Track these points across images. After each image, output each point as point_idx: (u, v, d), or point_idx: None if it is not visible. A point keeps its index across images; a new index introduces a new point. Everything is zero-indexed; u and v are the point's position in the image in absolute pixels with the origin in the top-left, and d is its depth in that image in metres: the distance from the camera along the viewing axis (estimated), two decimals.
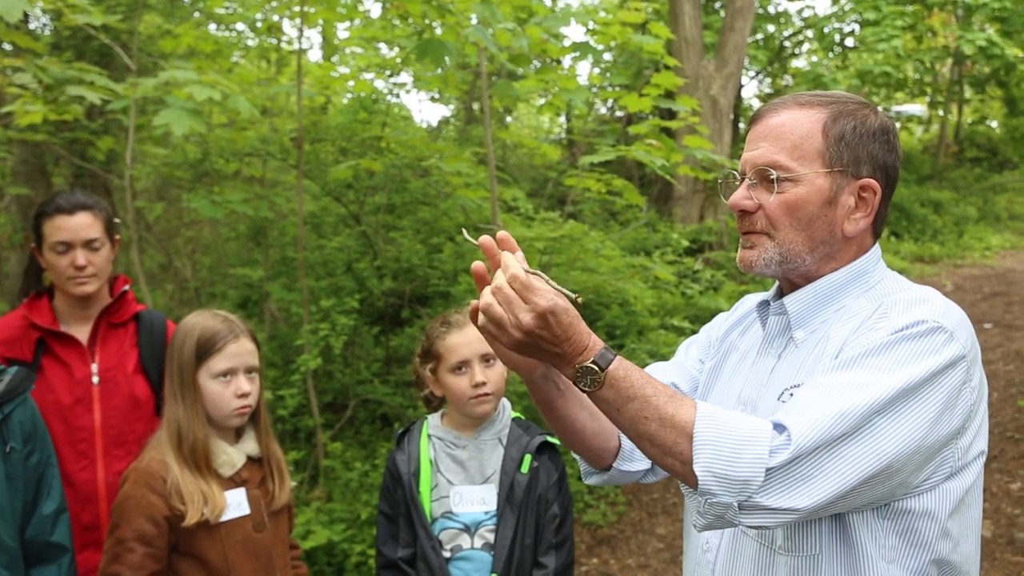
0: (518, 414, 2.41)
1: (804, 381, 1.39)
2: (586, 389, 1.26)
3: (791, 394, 1.40)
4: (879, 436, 1.23)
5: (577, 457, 1.61)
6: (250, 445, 2.25)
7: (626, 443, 1.57)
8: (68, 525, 2.14)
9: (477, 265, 1.32)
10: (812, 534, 1.36)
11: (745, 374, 1.53)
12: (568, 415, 1.48)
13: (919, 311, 1.33)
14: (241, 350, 2.19)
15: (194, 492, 2.08)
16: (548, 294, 1.23)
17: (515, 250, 1.33)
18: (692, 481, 1.22)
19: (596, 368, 1.25)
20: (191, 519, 2.06)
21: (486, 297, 1.25)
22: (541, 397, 1.45)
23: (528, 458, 2.28)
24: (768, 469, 1.19)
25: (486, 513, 2.25)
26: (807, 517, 1.25)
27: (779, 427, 1.23)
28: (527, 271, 1.27)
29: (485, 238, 1.31)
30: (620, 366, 1.26)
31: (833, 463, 1.22)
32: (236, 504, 2.16)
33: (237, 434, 2.25)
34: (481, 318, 1.27)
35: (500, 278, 1.25)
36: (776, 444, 1.21)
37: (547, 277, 1.30)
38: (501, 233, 1.31)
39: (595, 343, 1.26)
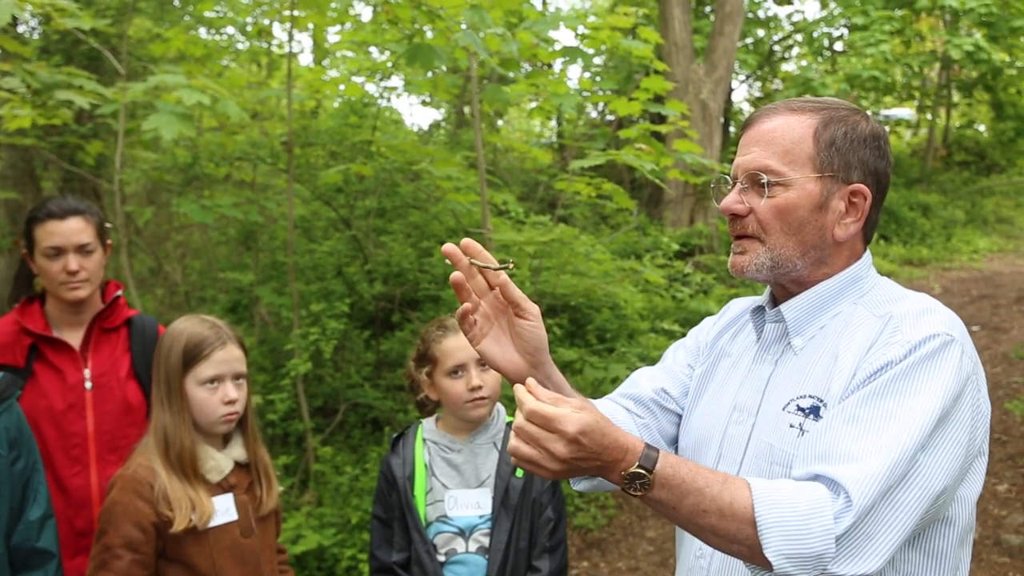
0: (512, 418, 2.42)
1: (813, 393, 1.39)
2: (637, 494, 1.22)
3: (798, 406, 1.40)
4: (927, 474, 1.24)
5: None
6: (237, 451, 2.25)
7: None
8: (55, 531, 2.13)
9: (455, 276, 1.32)
10: None
11: (739, 380, 1.53)
12: None
13: (930, 324, 1.34)
14: (228, 357, 2.19)
15: (181, 498, 2.07)
16: (572, 417, 1.17)
17: (480, 254, 1.33)
18: (765, 564, 1.20)
19: (644, 472, 1.20)
20: (179, 525, 2.05)
21: (512, 441, 1.22)
22: None
23: None
24: (837, 537, 1.18)
25: (481, 517, 2.25)
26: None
27: (832, 486, 1.22)
28: (498, 267, 1.24)
29: (448, 247, 1.30)
30: (667, 463, 1.21)
31: (891, 514, 1.22)
32: (224, 510, 2.16)
33: (224, 440, 2.25)
34: (513, 459, 1.24)
35: (520, 418, 1.21)
36: (838, 509, 1.20)
37: (492, 259, 1.28)
38: (465, 240, 1.30)
39: (634, 444, 1.22)
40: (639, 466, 1.20)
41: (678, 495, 1.21)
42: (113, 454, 2.48)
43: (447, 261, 1.33)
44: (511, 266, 1.29)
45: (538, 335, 1.38)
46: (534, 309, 1.37)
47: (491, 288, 1.36)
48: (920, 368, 1.29)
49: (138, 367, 2.58)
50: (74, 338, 2.53)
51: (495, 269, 1.35)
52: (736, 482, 1.23)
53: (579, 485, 1.62)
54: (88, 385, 2.50)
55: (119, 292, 2.63)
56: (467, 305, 1.32)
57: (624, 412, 1.62)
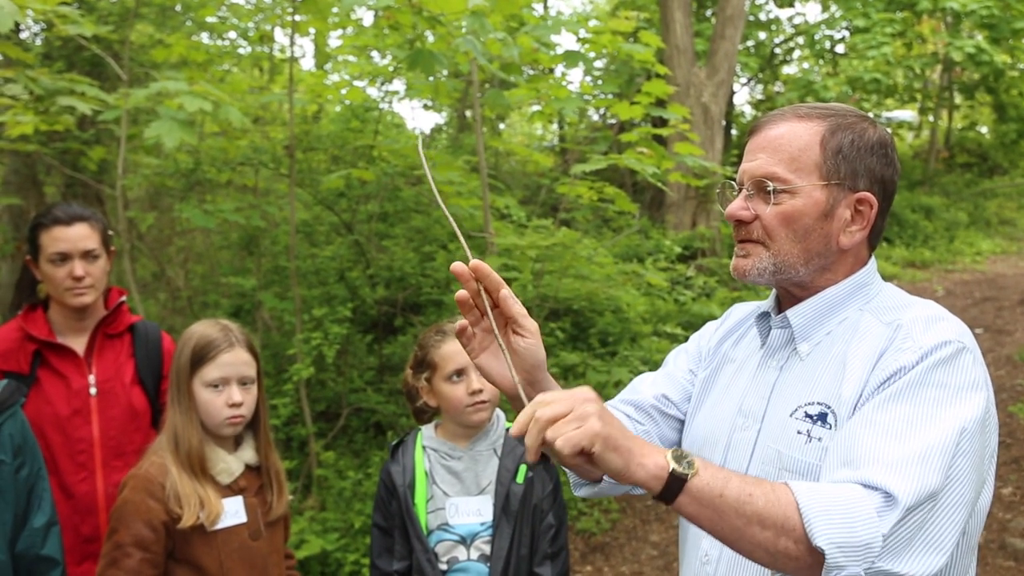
0: (511, 424, 2.41)
1: (821, 400, 1.38)
2: (683, 473, 1.14)
3: (806, 412, 1.39)
4: (962, 481, 1.22)
5: (567, 470, 1.60)
6: (248, 453, 2.26)
7: None
8: (59, 538, 2.14)
9: (461, 295, 1.30)
10: None
11: (743, 385, 1.53)
12: None
13: (941, 331, 1.33)
14: (234, 360, 2.20)
15: (191, 495, 2.09)
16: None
17: (488, 278, 1.29)
18: (814, 558, 1.14)
19: (685, 454, 1.16)
20: (187, 521, 2.06)
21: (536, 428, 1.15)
22: None
23: (523, 468, 2.28)
24: (884, 536, 1.14)
25: (482, 524, 2.24)
26: None
27: (868, 487, 1.18)
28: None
29: (457, 265, 1.27)
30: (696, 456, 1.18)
31: (940, 516, 1.19)
32: (233, 512, 2.17)
33: (236, 442, 2.26)
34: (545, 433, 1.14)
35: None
36: (877, 505, 1.16)
37: (501, 280, 1.26)
38: (475, 262, 1.27)
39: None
40: (674, 453, 1.16)
41: (722, 479, 1.16)
42: (119, 460, 2.49)
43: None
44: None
45: (535, 353, 1.35)
46: (532, 326, 1.34)
47: (495, 306, 1.33)
48: (935, 374, 1.27)
49: (142, 373, 2.58)
50: (78, 344, 2.54)
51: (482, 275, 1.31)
52: (766, 480, 1.20)
53: (580, 491, 1.61)
54: (93, 391, 2.51)
55: (122, 298, 2.64)
56: (463, 321, 1.32)
57: (624, 418, 1.62)
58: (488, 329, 1.34)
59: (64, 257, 2.46)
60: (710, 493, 1.15)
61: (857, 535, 1.13)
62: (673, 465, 1.14)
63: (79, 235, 2.47)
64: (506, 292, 1.31)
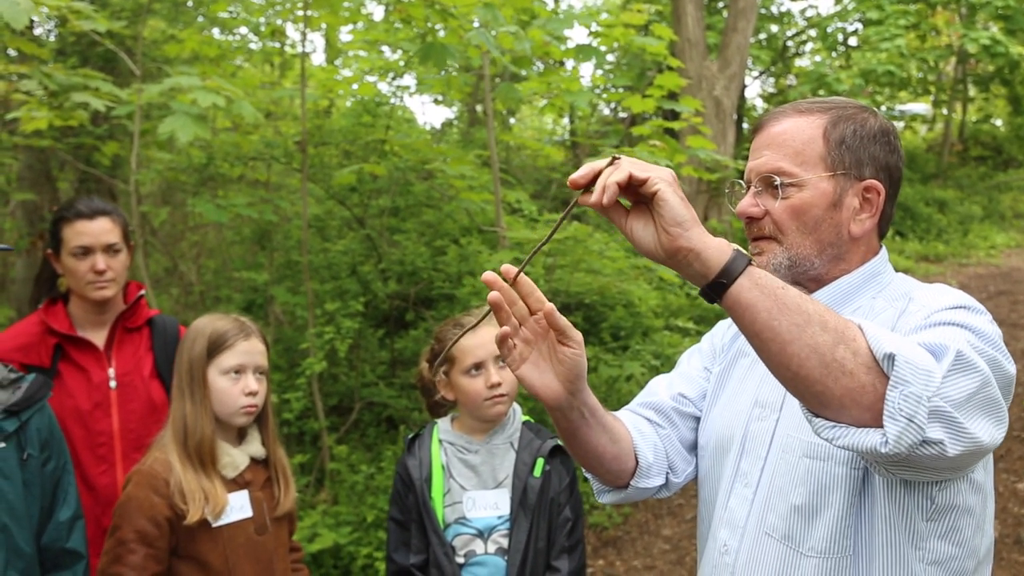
0: (527, 417, 2.41)
1: None
2: (749, 255, 1.14)
3: None
4: (997, 372, 1.18)
5: (590, 477, 1.59)
6: (254, 447, 2.26)
7: (643, 461, 1.55)
8: (83, 532, 2.16)
9: (494, 296, 1.28)
10: (844, 534, 1.33)
11: (759, 377, 1.52)
12: (591, 441, 1.47)
13: (951, 296, 1.34)
14: (252, 349, 2.22)
15: (196, 490, 2.09)
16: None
17: (534, 294, 1.31)
18: (869, 377, 1.07)
19: (742, 252, 1.14)
20: (192, 517, 2.06)
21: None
22: (566, 426, 1.44)
23: (540, 462, 2.28)
24: (942, 375, 1.08)
25: (499, 518, 2.25)
26: (970, 449, 1.10)
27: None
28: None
29: (488, 275, 1.27)
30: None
31: (991, 392, 1.15)
32: (239, 507, 2.17)
33: (240, 436, 2.26)
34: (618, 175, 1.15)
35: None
36: (931, 351, 1.11)
37: (535, 287, 1.28)
38: (505, 266, 1.28)
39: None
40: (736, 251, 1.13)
41: (780, 281, 1.14)
42: (139, 452, 2.51)
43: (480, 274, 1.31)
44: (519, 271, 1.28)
45: (580, 363, 1.35)
46: (578, 337, 1.34)
47: (532, 313, 1.33)
48: (954, 314, 1.26)
49: (160, 366, 2.60)
50: (98, 338, 2.56)
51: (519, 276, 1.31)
52: None
53: (605, 497, 1.61)
54: (113, 384, 2.53)
55: (141, 292, 2.66)
56: (507, 328, 1.31)
57: (646, 423, 1.62)
58: (528, 340, 1.34)
59: (87, 251, 2.49)
60: (772, 283, 1.12)
61: (918, 359, 1.07)
62: (736, 247, 1.12)
63: (101, 229, 2.50)
64: (551, 307, 1.31)
